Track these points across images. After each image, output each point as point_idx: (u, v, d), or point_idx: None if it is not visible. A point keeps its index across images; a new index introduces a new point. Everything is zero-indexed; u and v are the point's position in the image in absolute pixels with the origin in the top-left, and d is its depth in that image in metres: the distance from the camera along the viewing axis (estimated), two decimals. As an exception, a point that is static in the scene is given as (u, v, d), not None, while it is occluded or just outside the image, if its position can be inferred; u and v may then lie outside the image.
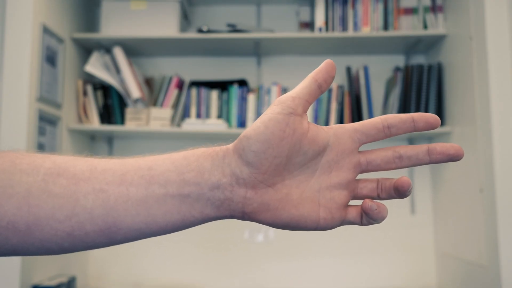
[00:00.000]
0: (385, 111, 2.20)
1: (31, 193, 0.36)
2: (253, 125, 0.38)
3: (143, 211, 0.37)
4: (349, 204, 0.41)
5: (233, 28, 2.12)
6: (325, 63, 0.41)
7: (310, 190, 0.40)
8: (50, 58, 1.89)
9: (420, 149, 0.40)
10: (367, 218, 0.40)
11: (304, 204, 0.39)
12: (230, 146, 0.39)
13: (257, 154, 0.37)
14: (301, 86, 0.39)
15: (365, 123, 0.41)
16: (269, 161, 0.37)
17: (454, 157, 0.39)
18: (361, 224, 0.40)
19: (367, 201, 0.39)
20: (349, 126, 0.40)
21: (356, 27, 2.10)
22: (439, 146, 0.39)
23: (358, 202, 0.41)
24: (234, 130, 2.09)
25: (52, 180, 0.37)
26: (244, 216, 0.39)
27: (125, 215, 0.37)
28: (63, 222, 0.36)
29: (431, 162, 0.40)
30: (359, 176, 0.42)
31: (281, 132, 0.37)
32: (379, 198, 0.41)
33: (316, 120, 2.12)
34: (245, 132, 0.38)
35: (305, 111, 0.39)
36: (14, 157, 0.37)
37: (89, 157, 0.40)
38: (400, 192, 0.39)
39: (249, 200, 0.38)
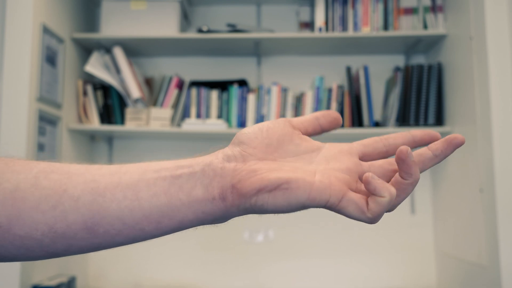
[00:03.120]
0: (385, 111, 2.20)
1: (19, 188, 0.35)
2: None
3: (131, 194, 0.36)
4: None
5: (233, 28, 2.12)
6: (333, 115, 0.44)
7: (306, 168, 0.38)
8: (50, 58, 1.89)
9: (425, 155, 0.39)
10: (375, 201, 0.35)
11: (297, 171, 0.37)
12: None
13: (248, 136, 0.39)
14: (302, 118, 0.43)
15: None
16: (260, 140, 0.39)
17: (450, 142, 0.39)
18: (368, 211, 0.35)
19: (367, 174, 0.36)
20: (344, 144, 0.42)
21: (356, 27, 2.10)
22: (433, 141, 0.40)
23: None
24: (234, 130, 2.09)
25: (44, 176, 0.36)
26: (233, 190, 0.36)
27: (112, 200, 0.36)
28: (46, 213, 0.35)
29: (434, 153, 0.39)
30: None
31: (272, 123, 0.40)
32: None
33: (316, 120, 2.12)
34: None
35: (300, 130, 0.42)
36: (8, 160, 0.37)
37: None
38: (401, 159, 0.35)
39: (238, 171, 0.37)
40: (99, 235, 0.36)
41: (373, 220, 0.35)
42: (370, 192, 0.35)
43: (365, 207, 0.35)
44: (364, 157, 0.41)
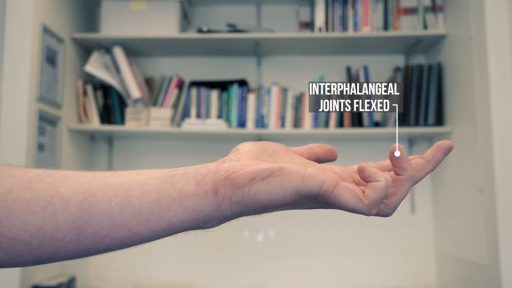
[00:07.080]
0: (385, 111, 2.20)
1: (11, 190, 0.35)
2: None
3: (122, 192, 0.36)
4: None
5: (233, 28, 2.12)
6: (328, 147, 0.47)
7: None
8: (50, 58, 1.89)
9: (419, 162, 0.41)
10: (370, 187, 0.35)
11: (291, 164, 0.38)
12: None
13: (244, 145, 0.41)
14: (297, 147, 0.46)
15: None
16: (254, 147, 0.41)
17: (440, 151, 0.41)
18: (364, 197, 0.35)
19: (361, 163, 0.37)
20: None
21: (356, 27, 2.10)
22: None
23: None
24: (234, 130, 2.09)
25: (38, 180, 0.36)
26: (226, 182, 0.36)
27: (102, 198, 0.36)
28: (36, 214, 0.35)
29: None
30: None
31: (268, 142, 0.43)
32: None
33: (316, 120, 2.12)
34: None
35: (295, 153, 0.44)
36: (4, 166, 0.38)
37: None
38: (394, 155, 0.37)
39: (232, 168, 0.37)
40: (88, 236, 0.36)
41: (370, 208, 0.35)
42: (365, 180, 0.36)
43: (361, 194, 0.35)
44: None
